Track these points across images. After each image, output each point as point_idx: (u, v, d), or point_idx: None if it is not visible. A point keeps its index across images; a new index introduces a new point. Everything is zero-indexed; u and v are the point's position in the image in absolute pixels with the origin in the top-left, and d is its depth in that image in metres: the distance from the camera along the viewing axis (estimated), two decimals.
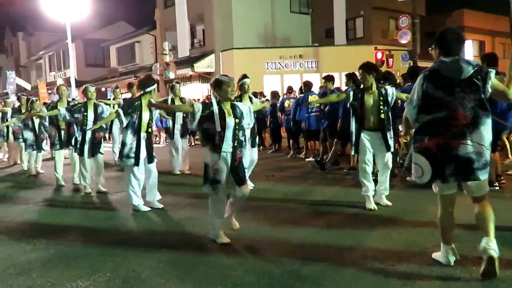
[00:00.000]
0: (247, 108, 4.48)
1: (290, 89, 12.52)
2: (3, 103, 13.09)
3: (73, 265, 3.81)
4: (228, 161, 4.14)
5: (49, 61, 39.39)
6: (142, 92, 5.74)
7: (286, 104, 11.29)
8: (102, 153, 7.09)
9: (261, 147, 12.26)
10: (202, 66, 22.52)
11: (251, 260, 3.85)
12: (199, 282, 3.40)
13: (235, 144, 4.17)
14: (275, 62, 21.79)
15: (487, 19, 30.48)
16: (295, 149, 11.24)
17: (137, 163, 5.63)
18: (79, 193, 7.17)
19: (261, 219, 5.12)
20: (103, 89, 28.38)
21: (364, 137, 5.43)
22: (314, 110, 9.66)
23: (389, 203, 5.52)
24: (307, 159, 10.14)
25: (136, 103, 5.66)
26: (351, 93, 5.55)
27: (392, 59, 19.22)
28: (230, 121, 4.14)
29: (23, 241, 4.58)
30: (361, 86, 5.56)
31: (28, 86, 28.40)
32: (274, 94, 12.94)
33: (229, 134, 4.12)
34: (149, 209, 5.74)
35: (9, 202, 6.64)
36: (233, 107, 4.27)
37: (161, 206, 5.85)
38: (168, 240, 4.54)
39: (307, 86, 10.02)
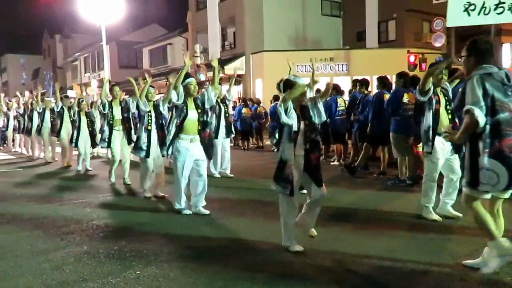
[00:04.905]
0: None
1: (318, 92, 12.42)
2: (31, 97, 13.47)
3: (104, 262, 3.91)
4: (301, 163, 4.03)
5: (84, 62, 40.60)
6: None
7: None
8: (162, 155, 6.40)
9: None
10: (233, 68, 22.69)
11: (276, 261, 3.86)
12: (228, 283, 3.42)
13: (307, 147, 4.01)
14: (305, 65, 21.70)
15: None
16: (325, 154, 11.11)
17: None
18: (137, 195, 6.93)
19: None
20: None
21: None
22: (339, 113, 9.58)
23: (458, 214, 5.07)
24: (331, 163, 10.06)
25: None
26: None
27: (425, 63, 18.81)
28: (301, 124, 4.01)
29: (57, 237, 4.72)
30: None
31: (74, 92, 29.74)
32: None
33: (300, 137, 4.00)
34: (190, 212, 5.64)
35: (45, 199, 6.84)
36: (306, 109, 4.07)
37: (207, 212, 5.62)
38: (198, 241, 4.59)
39: (335, 89, 9.93)
